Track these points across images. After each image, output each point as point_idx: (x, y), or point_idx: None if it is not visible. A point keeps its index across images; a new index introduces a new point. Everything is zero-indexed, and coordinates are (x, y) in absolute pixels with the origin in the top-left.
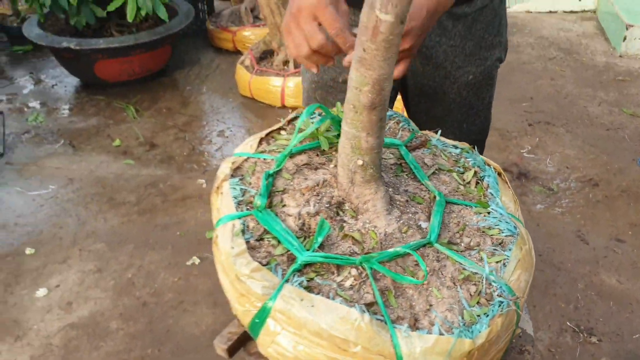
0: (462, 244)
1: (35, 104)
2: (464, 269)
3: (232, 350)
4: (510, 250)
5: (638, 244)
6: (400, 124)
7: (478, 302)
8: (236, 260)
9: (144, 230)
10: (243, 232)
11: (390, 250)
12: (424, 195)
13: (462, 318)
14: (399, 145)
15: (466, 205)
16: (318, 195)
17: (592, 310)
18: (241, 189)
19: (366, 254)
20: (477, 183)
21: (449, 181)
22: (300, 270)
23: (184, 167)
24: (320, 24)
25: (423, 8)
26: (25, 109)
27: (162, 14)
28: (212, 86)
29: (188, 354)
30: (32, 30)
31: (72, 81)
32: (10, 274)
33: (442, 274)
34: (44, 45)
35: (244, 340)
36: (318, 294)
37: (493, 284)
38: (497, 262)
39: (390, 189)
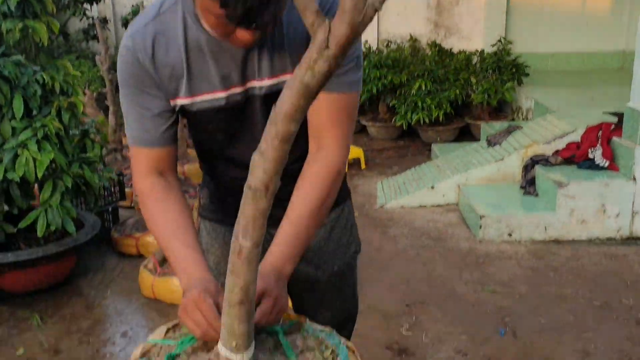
0: None
1: None
2: None
3: None
4: None
5: None
6: None
7: None
8: None
9: None
10: None
11: None
12: None
13: None
14: (279, 331)
15: None
16: None
17: None
18: None
19: None
20: (333, 359)
21: (312, 358)
22: None
23: None
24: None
25: (271, 275)
26: None
27: (71, 228)
28: (116, 289)
29: None
30: None
31: None
32: None
33: None
34: None
35: None
36: None
37: None
38: None
39: None
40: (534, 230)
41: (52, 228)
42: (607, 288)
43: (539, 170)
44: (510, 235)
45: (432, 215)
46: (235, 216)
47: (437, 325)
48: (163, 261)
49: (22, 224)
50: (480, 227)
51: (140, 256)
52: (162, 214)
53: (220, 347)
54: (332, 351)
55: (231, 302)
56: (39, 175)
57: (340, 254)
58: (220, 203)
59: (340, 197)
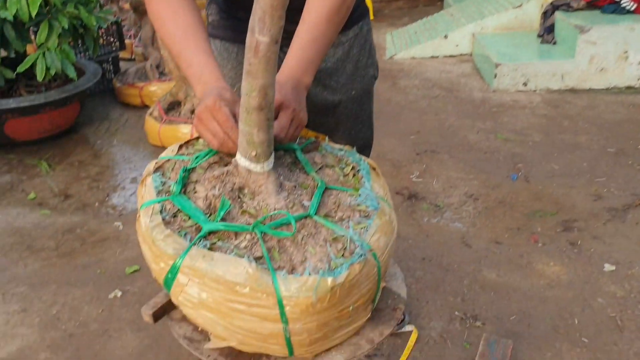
0: (336, 217)
1: None
2: (335, 233)
3: (156, 316)
4: (372, 219)
5: (513, 244)
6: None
7: (343, 255)
8: (153, 230)
9: (65, 271)
10: (161, 211)
11: (277, 220)
12: (310, 184)
13: (329, 266)
14: (296, 149)
15: (342, 190)
16: (223, 182)
17: (476, 301)
18: (161, 181)
19: None
20: (354, 175)
21: (332, 174)
22: (205, 237)
23: (99, 212)
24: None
25: (288, 85)
26: None
27: (71, 72)
28: (123, 138)
29: None
30: None
31: None
32: None
33: (317, 237)
34: None
35: (168, 308)
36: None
37: (356, 242)
38: (361, 228)
39: (282, 178)
40: (550, 79)
41: (52, 72)
42: (623, 135)
43: (559, 15)
44: (525, 84)
45: (445, 66)
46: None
47: (448, 172)
48: (168, 109)
49: (21, 68)
50: (495, 76)
51: (145, 107)
52: (172, 18)
53: (239, 158)
54: (353, 167)
55: (249, 107)
56: (33, 13)
57: (359, 77)
58: (231, 19)
59: (358, 13)
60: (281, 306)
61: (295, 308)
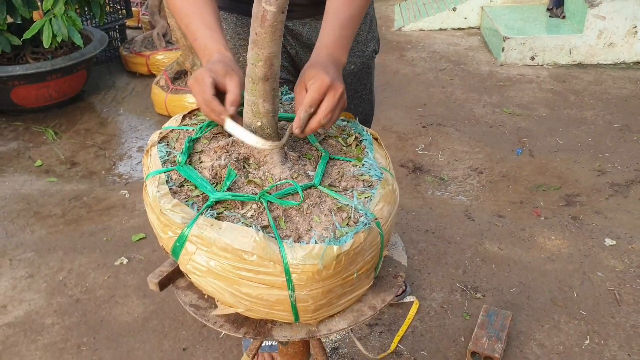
0: (340, 187)
1: None
2: (339, 202)
3: (162, 285)
4: (375, 189)
5: (515, 218)
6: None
7: (347, 224)
8: (160, 200)
9: (72, 238)
10: (167, 181)
11: (283, 189)
12: (314, 154)
13: (334, 234)
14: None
15: (346, 160)
16: (228, 152)
17: (477, 273)
18: (166, 151)
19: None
20: (356, 145)
21: (335, 144)
22: (212, 207)
23: (106, 180)
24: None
25: (330, 65)
26: None
27: (77, 39)
28: (129, 107)
29: (122, 338)
30: None
31: None
32: None
33: (321, 206)
34: None
35: (173, 277)
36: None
37: (360, 211)
38: (365, 197)
39: (287, 148)
40: (557, 54)
41: (59, 39)
42: (629, 111)
43: None
44: (533, 58)
45: (453, 39)
46: (247, 2)
47: (453, 145)
48: (175, 78)
49: (27, 34)
50: (503, 50)
51: (151, 75)
52: None
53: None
54: (355, 138)
55: (254, 77)
56: None
57: (359, 51)
58: None
59: None
60: (288, 274)
61: (302, 275)
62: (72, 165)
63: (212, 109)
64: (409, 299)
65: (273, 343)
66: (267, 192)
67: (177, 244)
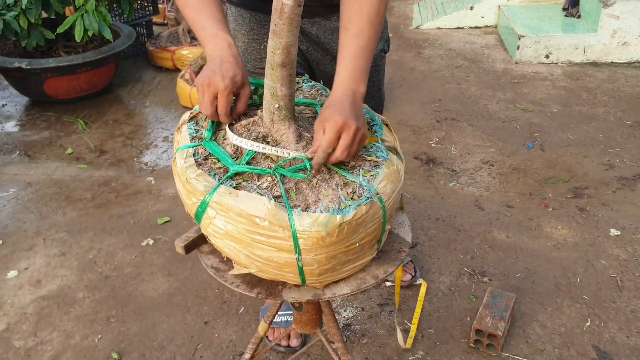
0: (349, 165)
1: None
2: (346, 179)
3: (187, 249)
4: (381, 168)
5: (524, 208)
6: (319, 91)
7: (352, 198)
8: (187, 170)
9: (101, 220)
10: (194, 155)
11: (295, 165)
12: None
13: (339, 206)
14: (316, 104)
15: None
16: (249, 131)
17: (485, 259)
18: (195, 129)
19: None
20: (368, 129)
21: None
22: (232, 178)
23: (133, 168)
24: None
25: (345, 102)
26: None
27: (108, 34)
28: (155, 100)
29: (148, 312)
30: None
31: (22, 100)
32: None
33: (330, 182)
34: None
35: (198, 242)
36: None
37: (364, 187)
38: (370, 175)
39: (302, 129)
40: (572, 52)
41: (90, 33)
42: None
43: None
44: (547, 57)
45: (470, 37)
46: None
47: (466, 139)
48: (199, 72)
49: (60, 29)
50: (518, 48)
51: (176, 69)
52: None
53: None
54: (367, 122)
55: (273, 64)
56: None
57: None
58: None
59: None
60: (295, 238)
61: (308, 241)
62: (101, 154)
63: (223, 119)
64: (418, 281)
65: (288, 319)
66: (281, 167)
67: (200, 209)
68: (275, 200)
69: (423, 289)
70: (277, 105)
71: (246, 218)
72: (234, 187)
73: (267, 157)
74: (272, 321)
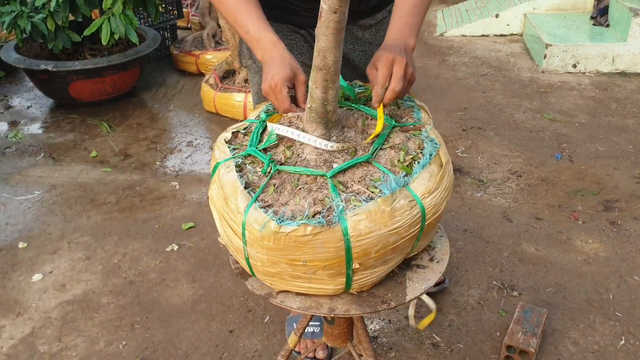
0: (352, 188)
1: (13, 123)
2: (333, 197)
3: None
4: (373, 200)
5: (553, 220)
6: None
7: (316, 214)
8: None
9: (125, 225)
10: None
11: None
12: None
13: (297, 216)
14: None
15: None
16: (290, 124)
17: (514, 272)
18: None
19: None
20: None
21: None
22: (245, 157)
23: (157, 172)
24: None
25: (394, 46)
26: (4, 128)
27: (134, 37)
28: (179, 104)
29: (173, 319)
30: (10, 55)
31: (47, 102)
32: (7, 264)
33: (316, 193)
34: (22, 67)
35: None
36: None
37: (334, 213)
38: (355, 204)
39: (334, 137)
40: (600, 62)
41: (116, 36)
42: None
43: None
44: (575, 66)
45: (495, 45)
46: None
47: (493, 148)
48: (223, 77)
49: (87, 32)
50: (545, 56)
51: (200, 74)
52: None
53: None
54: (399, 105)
55: (313, 65)
56: None
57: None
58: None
59: None
60: (243, 227)
61: (250, 234)
62: (125, 157)
63: (281, 112)
64: (430, 305)
65: (315, 330)
66: (280, 163)
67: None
68: (247, 188)
69: (429, 319)
70: (309, 106)
71: (223, 194)
72: (237, 165)
73: (285, 149)
74: (302, 334)
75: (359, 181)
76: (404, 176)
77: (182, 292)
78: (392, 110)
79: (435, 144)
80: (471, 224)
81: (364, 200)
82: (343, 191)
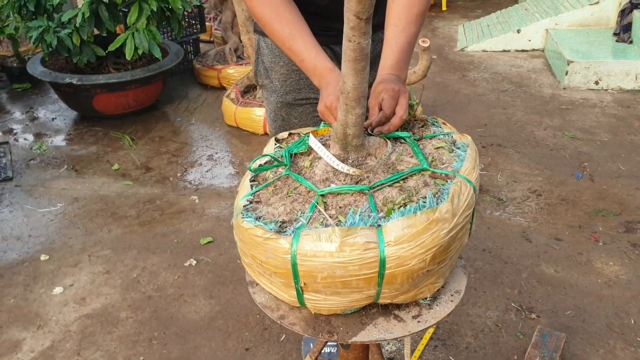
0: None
1: (38, 134)
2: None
3: None
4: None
5: (573, 241)
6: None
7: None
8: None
9: (145, 239)
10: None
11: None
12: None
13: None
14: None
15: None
16: (324, 141)
17: (532, 294)
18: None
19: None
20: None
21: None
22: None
23: (177, 186)
24: None
25: (393, 78)
26: (29, 140)
27: (157, 53)
28: (200, 117)
29: (190, 335)
30: (36, 68)
31: (71, 115)
32: (29, 276)
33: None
34: (47, 81)
35: None
36: None
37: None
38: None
39: (350, 160)
40: (623, 79)
41: (140, 52)
42: None
43: (637, 14)
44: (597, 83)
45: (516, 61)
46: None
47: (513, 166)
48: (244, 92)
49: (112, 47)
50: (567, 73)
51: (222, 88)
52: (276, 18)
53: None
54: (422, 119)
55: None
56: None
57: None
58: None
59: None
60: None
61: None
62: (147, 170)
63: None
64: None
65: (332, 350)
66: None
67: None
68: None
69: (427, 335)
70: (334, 125)
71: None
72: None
73: (314, 158)
74: (317, 357)
75: (340, 207)
76: (381, 217)
77: (200, 308)
78: (440, 154)
79: (441, 200)
80: (490, 244)
81: (326, 224)
82: (320, 211)
